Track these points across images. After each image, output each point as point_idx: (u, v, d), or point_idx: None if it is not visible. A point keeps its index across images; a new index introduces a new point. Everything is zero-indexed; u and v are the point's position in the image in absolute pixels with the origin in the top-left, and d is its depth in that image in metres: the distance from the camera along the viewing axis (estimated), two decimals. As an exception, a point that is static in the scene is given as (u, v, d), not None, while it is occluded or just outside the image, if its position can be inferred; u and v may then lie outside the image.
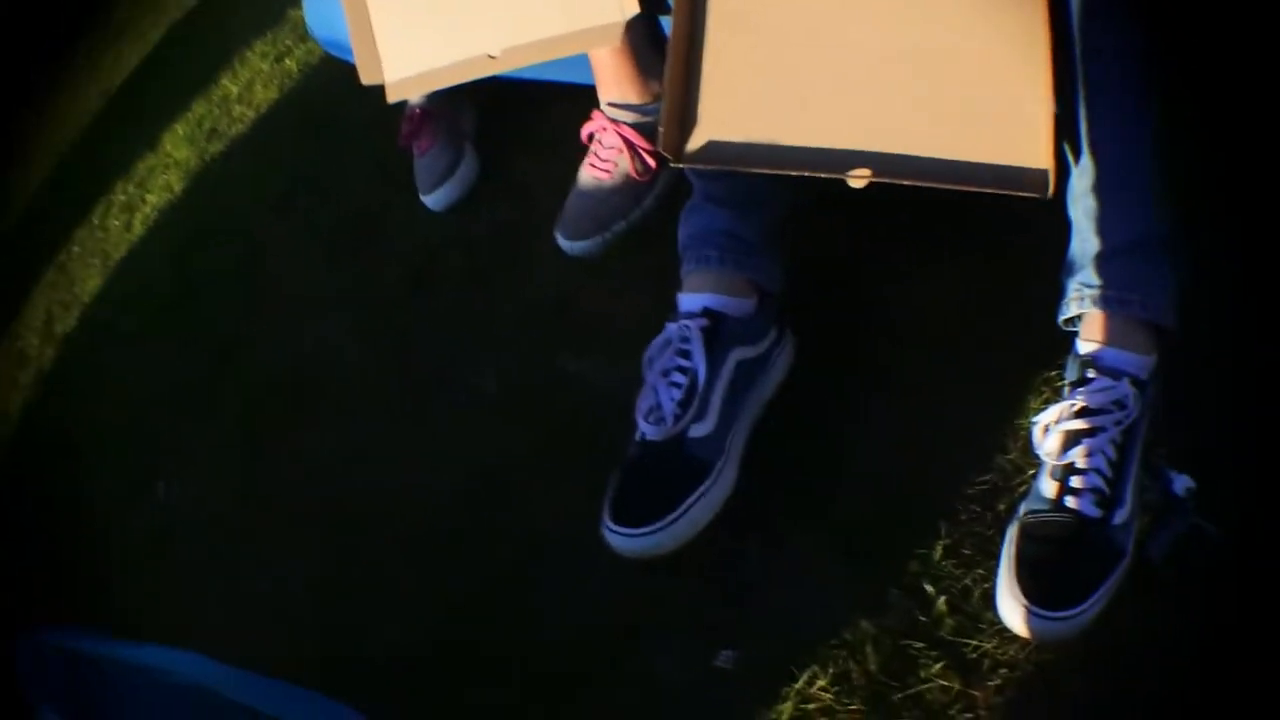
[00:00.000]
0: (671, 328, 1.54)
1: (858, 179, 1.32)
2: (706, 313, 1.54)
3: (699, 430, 1.49)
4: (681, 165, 1.39)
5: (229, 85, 2.76)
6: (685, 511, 1.45)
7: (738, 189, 1.56)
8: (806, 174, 1.33)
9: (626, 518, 1.45)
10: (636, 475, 1.49)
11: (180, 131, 2.71)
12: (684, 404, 1.49)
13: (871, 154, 1.34)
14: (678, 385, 1.50)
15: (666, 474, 1.47)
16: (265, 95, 2.64)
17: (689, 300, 1.56)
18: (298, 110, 2.56)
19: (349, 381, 1.98)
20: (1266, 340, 1.50)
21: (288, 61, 2.69)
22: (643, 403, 1.52)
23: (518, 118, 2.16)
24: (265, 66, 2.73)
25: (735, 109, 1.41)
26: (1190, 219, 1.46)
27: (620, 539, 1.45)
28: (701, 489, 1.46)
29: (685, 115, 1.41)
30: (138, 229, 2.57)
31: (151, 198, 2.62)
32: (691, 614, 1.47)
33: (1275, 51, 1.57)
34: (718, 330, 1.53)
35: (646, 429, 1.50)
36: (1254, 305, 1.53)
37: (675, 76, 1.41)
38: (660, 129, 1.37)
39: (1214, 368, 1.49)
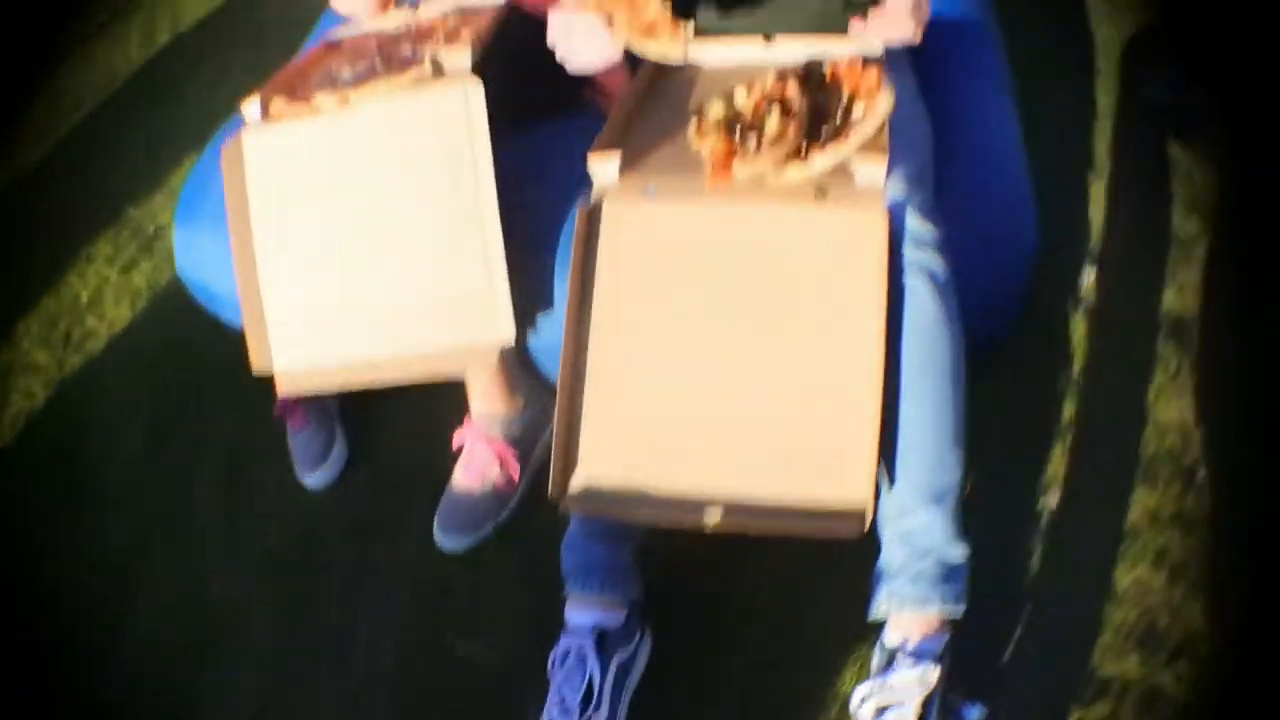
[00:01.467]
0: (569, 641, 1.93)
1: (709, 524, 1.67)
2: (595, 629, 1.93)
3: (598, 718, 1.89)
4: (566, 510, 1.76)
5: (77, 286, 2.80)
6: None
7: (611, 526, 1.94)
8: (671, 525, 1.69)
9: None
10: None
11: (35, 330, 2.73)
12: (585, 701, 1.89)
13: (719, 500, 1.66)
14: (576, 689, 1.89)
15: None
16: (117, 313, 2.71)
17: (579, 617, 1.95)
18: (154, 339, 2.64)
19: (254, 635, 2.11)
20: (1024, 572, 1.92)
21: (135, 277, 2.78)
22: (552, 700, 1.90)
23: (373, 402, 2.34)
24: (112, 275, 2.80)
25: (611, 453, 1.71)
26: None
27: None
28: None
29: (569, 459, 1.72)
30: (5, 434, 2.54)
31: (17, 398, 2.60)
32: None
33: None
34: (604, 641, 1.93)
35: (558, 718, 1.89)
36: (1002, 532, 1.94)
37: (563, 424, 1.71)
38: (551, 473, 1.71)
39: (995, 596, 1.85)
